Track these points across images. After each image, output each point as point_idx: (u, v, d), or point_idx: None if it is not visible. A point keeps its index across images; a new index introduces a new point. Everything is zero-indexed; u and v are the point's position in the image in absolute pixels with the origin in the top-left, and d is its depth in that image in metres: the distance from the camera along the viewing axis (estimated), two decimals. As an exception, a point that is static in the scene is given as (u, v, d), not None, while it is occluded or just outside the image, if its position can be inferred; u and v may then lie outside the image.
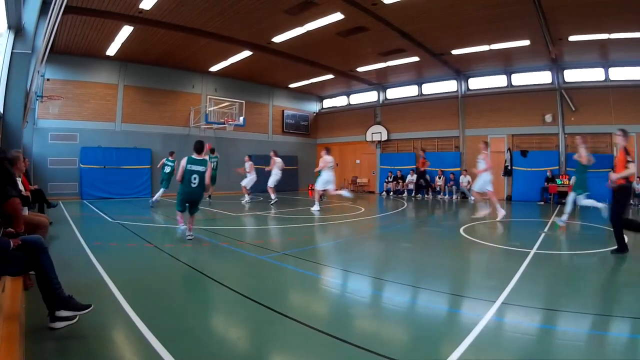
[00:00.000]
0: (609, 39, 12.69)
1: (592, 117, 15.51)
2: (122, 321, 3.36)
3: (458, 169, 18.15)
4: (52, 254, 3.27)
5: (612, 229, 6.21)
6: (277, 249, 6.46)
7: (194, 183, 6.98)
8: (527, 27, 12.31)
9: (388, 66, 17.54)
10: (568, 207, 9.04)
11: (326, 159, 11.90)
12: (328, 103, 25.58)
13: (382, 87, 22.06)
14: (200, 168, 7.00)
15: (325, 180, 11.90)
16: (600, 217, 8.35)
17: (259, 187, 16.92)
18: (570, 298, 4.26)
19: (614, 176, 6.22)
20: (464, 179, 17.30)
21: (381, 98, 22.20)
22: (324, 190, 12.11)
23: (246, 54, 15.76)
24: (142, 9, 11.36)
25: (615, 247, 6.24)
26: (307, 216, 11.21)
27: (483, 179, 10.62)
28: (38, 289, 3.15)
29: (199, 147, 7.12)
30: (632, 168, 6.07)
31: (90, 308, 3.26)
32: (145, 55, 15.91)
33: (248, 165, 14.92)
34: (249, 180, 14.92)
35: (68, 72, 15.09)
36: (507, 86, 17.78)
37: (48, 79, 13.94)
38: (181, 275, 5.10)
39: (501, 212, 10.35)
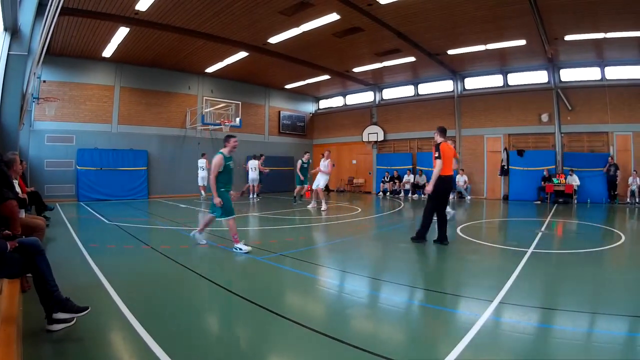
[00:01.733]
0: (604, 38, 12.76)
1: (588, 116, 15.60)
2: (120, 323, 3.36)
3: (454, 168, 18.14)
4: (49, 256, 3.25)
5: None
6: (273, 250, 6.46)
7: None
8: (523, 27, 12.36)
9: (384, 66, 17.57)
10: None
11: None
12: (324, 104, 25.61)
13: (378, 87, 22.09)
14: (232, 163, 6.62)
15: (202, 177, 16.04)
16: (596, 217, 8.39)
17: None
18: (567, 297, 4.28)
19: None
20: (460, 179, 17.33)
21: (377, 98, 22.22)
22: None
23: (242, 55, 15.76)
24: (138, 11, 11.34)
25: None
26: (304, 217, 11.22)
27: (319, 179, 12.77)
28: (35, 291, 3.14)
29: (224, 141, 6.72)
30: (437, 165, 6.74)
31: (88, 310, 3.25)
32: (142, 57, 15.88)
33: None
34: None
35: (64, 74, 15.04)
36: (503, 86, 17.84)
37: (44, 81, 13.86)
38: (178, 276, 5.09)
39: (324, 206, 12.41)
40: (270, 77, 20.33)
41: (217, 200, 6.26)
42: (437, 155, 6.75)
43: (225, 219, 6.47)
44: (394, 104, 21.56)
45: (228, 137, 6.70)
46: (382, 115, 21.84)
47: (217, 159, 6.34)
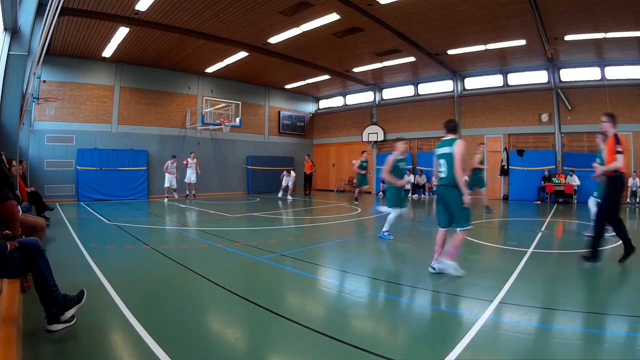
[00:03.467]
0: (604, 38, 12.77)
1: (588, 116, 15.59)
2: (120, 323, 3.36)
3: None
4: (49, 256, 3.26)
5: (605, 227, 5.71)
6: (274, 250, 6.45)
7: (441, 172, 5.07)
8: (523, 27, 12.37)
9: (384, 66, 17.60)
10: None
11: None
12: (324, 104, 25.61)
13: (378, 87, 22.09)
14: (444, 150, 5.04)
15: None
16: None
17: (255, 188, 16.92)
18: (567, 297, 4.28)
19: (600, 168, 5.60)
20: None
21: (377, 98, 22.23)
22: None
23: (242, 55, 15.77)
24: (138, 11, 11.35)
25: (588, 251, 5.43)
26: (303, 217, 11.22)
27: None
28: (35, 291, 3.15)
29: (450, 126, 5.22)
30: (620, 160, 5.21)
31: (85, 294, 3.34)
32: (141, 57, 15.89)
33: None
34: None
35: (64, 74, 15.05)
36: (503, 86, 17.85)
37: (44, 81, 13.88)
38: (178, 276, 5.09)
39: None
40: (270, 77, 20.33)
41: (467, 199, 4.78)
42: (619, 149, 5.21)
43: (462, 229, 4.96)
44: (394, 104, 21.56)
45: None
46: (382, 115, 21.84)
47: (462, 144, 4.93)
